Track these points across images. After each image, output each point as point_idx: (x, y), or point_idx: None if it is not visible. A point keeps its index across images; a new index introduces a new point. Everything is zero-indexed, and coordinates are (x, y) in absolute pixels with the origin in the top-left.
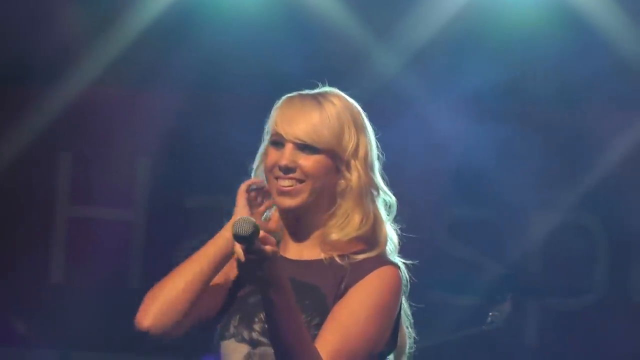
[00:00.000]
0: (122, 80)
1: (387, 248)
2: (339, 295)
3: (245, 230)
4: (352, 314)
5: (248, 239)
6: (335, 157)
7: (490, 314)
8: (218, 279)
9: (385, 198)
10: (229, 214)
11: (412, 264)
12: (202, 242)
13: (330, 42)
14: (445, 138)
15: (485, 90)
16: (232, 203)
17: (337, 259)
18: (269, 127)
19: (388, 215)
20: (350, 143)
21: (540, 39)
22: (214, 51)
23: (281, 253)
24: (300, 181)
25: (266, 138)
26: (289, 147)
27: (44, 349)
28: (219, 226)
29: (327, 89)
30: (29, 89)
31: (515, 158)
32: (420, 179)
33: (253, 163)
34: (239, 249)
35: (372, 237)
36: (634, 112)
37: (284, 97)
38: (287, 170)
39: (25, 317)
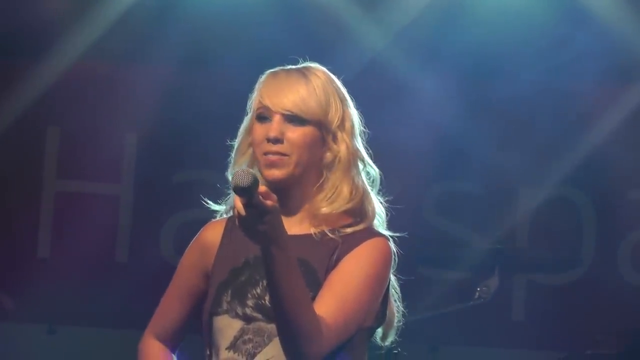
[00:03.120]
0: (109, 55)
1: (375, 220)
2: (331, 267)
3: (245, 181)
4: (347, 282)
5: (248, 191)
6: (322, 129)
7: (478, 288)
8: (190, 276)
9: (370, 170)
10: (215, 189)
11: (399, 238)
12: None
13: (317, 17)
14: (432, 113)
15: (472, 66)
16: (219, 178)
17: (327, 232)
18: (253, 103)
19: (372, 188)
20: (336, 115)
21: (527, 16)
22: (201, 26)
23: None
24: (288, 154)
25: (250, 115)
26: (276, 118)
27: (30, 323)
28: (206, 200)
29: (309, 63)
30: (16, 63)
31: (502, 133)
32: (407, 154)
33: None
34: (239, 202)
35: (360, 210)
36: (620, 87)
37: (267, 73)
38: (276, 140)
39: (12, 292)
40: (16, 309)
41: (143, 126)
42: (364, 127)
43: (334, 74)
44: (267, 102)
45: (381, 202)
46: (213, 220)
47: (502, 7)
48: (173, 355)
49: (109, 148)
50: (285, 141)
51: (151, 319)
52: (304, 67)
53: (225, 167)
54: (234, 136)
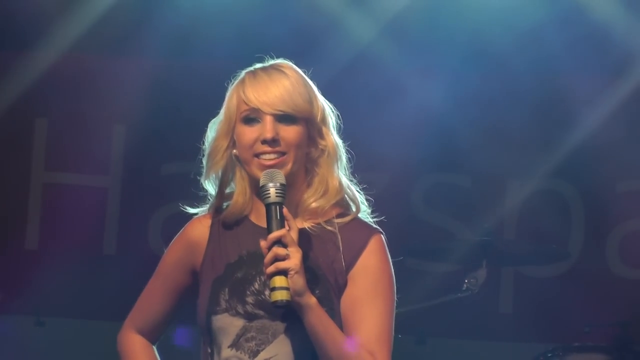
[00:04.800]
0: (98, 47)
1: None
2: (338, 260)
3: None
4: (377, 296)
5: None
6: (310, 125)
7: (466, 280)
8: (173, 276)
9: (344, 163)
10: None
11: (388, 231)
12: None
13: (306, 9)
14: (420, 105)
15: (461, 59)
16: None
17: (323, 224)
18: (232, 105)
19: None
20: (319, 110)
21: (516, 7)
22: (190, 17)
23: (260, 224)
24: (284, 153)
25: (225, 117)
26: (268, 119)
27: (18, 315)
28: (194, 192)
29: (278, 60)
30: (3, 55)
31: (490, 125)
32: (395, 147)
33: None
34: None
35: (347, 200)
36: (609, 80)
37: (242, 74)
38: (273, 141)
39: (0, 283)
40: (4, 300)
41: (131, 118)
42: (339, 118)
43: (322, 65)
44: (256, 104)
45: (360, 191)
46: (197, 216)
47: (491, 1)
48: (154, 347)
49: (97, 140)
50: (279, 141)
51: (131, 311)
52: (278, 65)
53: None
54: None
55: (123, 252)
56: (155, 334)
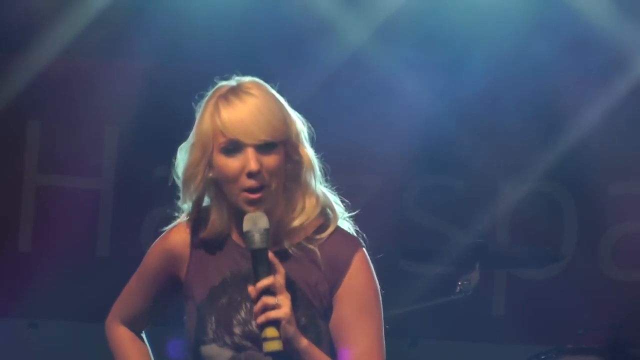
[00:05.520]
0: (90, 49)
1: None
2: (321, 283)
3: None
4: (367, 314)
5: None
6: (287, 145)
7: (459, 283)
8: (152, 281)
9: (318, 174)
10: None
11: (381, 234)
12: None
13: (298, 11)
14: (412, 107)
15: (453, 59)
16: None
17: (303, 243)
18: (209, 133)
19: (325, 185)
20: (293, 127)
21: (508, 9)
22: (182, 19)
23: (242, 244)
24: (268, 183)
25: (208, 145)
26: (250, 151)
27: (11, 317)
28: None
29: (243, 79)
30: None
31: (483, 127)
32: (388, 149)
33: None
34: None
35: (326, 212)
36: (601, 82)
37: (215, 97)
38: (257, 174)
39: None
40: None
41: (124, 120)
42: (311, 129)
43: (315, 68)
44: (236, 135)
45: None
46: (176, 226)
47: (483, 2)
48: (142, 335)
49: (89, 142)
50: (263, 171)
51: (116, 303)
52: (247, 87)
53: None
54: None
55: (116, 254)
56: (141, 326)
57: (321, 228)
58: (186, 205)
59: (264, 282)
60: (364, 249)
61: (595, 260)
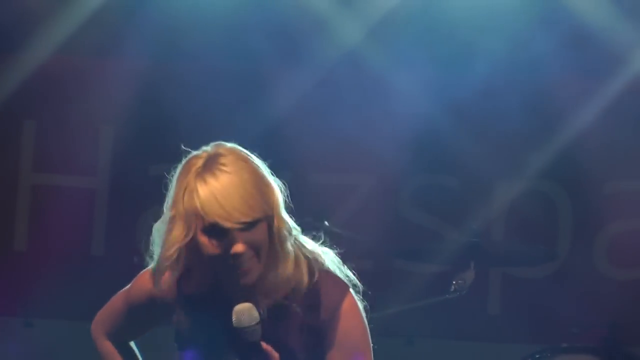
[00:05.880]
0: (85, 49)
1: (330, 260)
2: (311, 335)
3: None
4: (356, 357)
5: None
6: (267, 218)
7: (454, 282)
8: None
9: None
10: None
11: (376, 231)
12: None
13: (292, 11)
14: (407, 106)
15: (448, 60)
16: None
17: (289, 298)
18: (191, 213)
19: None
20: (271, 198)
21: (504, 8)
22: (177, 18)
23: (232, 299)
24: (254, 257)
25: (190, 223)
26: (234, 234)
27: (6, 316)
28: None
29: (216, 149)
30: None
31: (477, 126)
32: (382, 148)
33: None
34: None
35: (299, 272)
36: (596, 80)
37: (190, 175)
38: (242, 255)
39: None
40: None
41: (118, 119)
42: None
43: (310, 66)
44: (217, 220)
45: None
46: (155, 274)
47: (480, 1)
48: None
49: (85, 141)
50: (247, 251)
51: (101, 314)
52: (222, 163)
53: None
54: (208, 127)
55: (111, 253)
56: (128, 339)
57: (302, 284)
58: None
59: None
60: (352, 292)
61: (590, 259)
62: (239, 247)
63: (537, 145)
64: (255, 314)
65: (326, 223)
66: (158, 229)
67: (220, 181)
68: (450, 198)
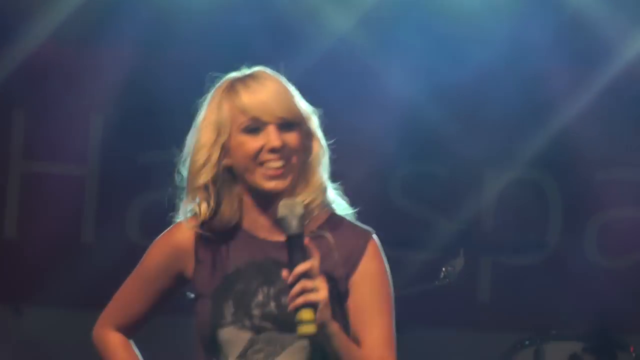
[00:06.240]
0: (74, 36)
1: (341, 205)
2: (337, 269)
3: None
4: (381, 301)
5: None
6: (303, 129)
7: (443, 269)
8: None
9: (326, 163)
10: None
11: (365, 221)
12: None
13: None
14: (397, 95)
15: (437, 48)
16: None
17: (317, 231)
18: (227, 116)
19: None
20: (306, 113)
21: None
22: (165, 6)
23: (254, 233)
24: (288, 160)
25: (225, 128)
26: (272, 128)
27: None
28: (171, 182)
29: (255, 68)
30: None
31: (468, 114)
32: (373, 136)
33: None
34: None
35: (334, 203)
36: (587, 69)
37: (227, 83)
38: (280, 150)
39: None
40: None
41: (108, 107)
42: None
43: (299, 56)
44: (258, 113)
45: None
46: (180, 221)
47: None
48: (132, 343)
49: (74, 129)
50: (284, 148)
51: (108, 307)
52: (261, 72)
53: None
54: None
55: (101, 240)
56: (133, 331)
57: (331, 219)
58: (187, 206)
59: (302, 266)
60: (375, 236)
61: (580, 247)
62: (276, 141)
63: (527, 133)
64: (300, 207)
65: None
66: (189, 140)
67: (261, 84)
68: (440, 186)
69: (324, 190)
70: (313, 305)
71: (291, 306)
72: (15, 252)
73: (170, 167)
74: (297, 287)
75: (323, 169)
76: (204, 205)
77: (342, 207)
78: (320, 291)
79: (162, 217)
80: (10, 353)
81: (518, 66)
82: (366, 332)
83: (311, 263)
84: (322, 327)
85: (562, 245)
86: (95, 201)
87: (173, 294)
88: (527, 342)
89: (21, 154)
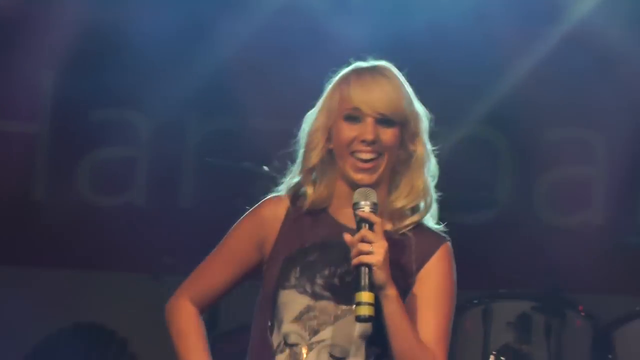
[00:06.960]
0: None
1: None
2: (409, 264)
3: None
4: (440, 299)
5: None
6: (405, 129)
7: None
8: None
9: (432, 168)
10: (132, 127)
11: None
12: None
13: None
14: (350, 53)
15: (390, 6)
16: (137, 116)
17: (403, 230)
18: (336, 102)
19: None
20: (415, 115)
21: None
22: None
23: (337, 218)
24: (380, 155)
25: (333, 113)
26: (369, 121)
27: None
28: (123, 139)
29: (380, 62)
30: None
31: (417, 71)
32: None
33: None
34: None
35: (425, 205)
36: (537, 29)
37: (348, 72)
38: (372, 143)
39: None
40: None
41: (59, 64)
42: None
43: (251, 14)
44: (360, 104)
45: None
46: (274, 196)
47: None
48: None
49: (24, 86)
50: (377, 143)
51: (189, 279)
52: (381, 67)
53: (143, 105)
54: (152, 74)
55: (51, 197)
56: (208, 304)
57: (416, 221)
58: (292, 182)
59: (361, 232)
60: (450, 243)
61: (530, 206)
62: (370, 134)
63: (478, 90)
64: (375, 196)
65: (265, 168)
66: (307, 117)
67: (374, 78)
68: None
69: (425, 194)
70: (369, 266)
71: (352, 263)
72: None
73: (121, 125)
74: (354, 251)
75: (427, 173)
76: (309, 185)
77: (431, 220)
78: (376, 255)
79: (113, 174)
80: None
81: (471, 25)
82: (422, 326)
83: (377, 219)
84: (379, 289)
85: (512, 203)
86: (46, 158)
87: (252, 269)
88: (475, 301)
89: None
